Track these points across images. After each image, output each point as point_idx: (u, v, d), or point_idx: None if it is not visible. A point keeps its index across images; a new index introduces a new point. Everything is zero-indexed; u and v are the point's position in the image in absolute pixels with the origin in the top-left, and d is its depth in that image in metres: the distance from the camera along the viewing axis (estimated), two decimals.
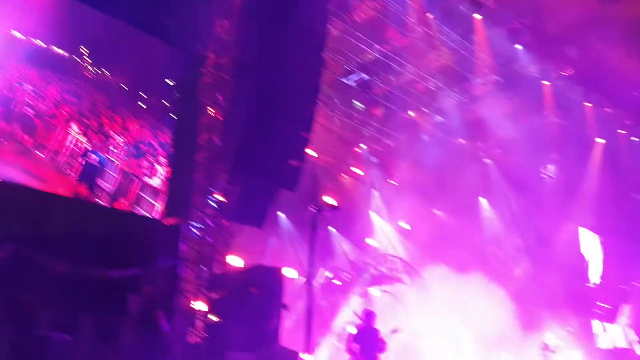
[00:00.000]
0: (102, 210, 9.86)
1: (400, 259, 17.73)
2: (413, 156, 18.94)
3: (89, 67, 10.41)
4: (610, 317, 17.91)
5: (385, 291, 16.33)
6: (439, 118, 18.93)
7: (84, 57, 10.37)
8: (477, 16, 16.33)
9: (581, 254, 18.76)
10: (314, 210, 7.51)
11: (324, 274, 16.83)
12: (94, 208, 9.73)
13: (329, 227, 18.20)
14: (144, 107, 11.37)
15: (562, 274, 17.58)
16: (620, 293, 18.17)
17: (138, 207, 10.44)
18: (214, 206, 11.27)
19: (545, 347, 12.99)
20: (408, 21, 15.87)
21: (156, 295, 8.84)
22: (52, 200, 9.03)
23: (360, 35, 15.84)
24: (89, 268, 8.33)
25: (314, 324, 8.48)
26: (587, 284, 18.50)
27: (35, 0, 9.76)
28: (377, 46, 16.30)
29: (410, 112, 18.88)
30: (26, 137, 9.10)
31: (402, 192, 19.12)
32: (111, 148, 10.27)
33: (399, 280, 16.74)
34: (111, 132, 10.42)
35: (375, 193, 19.90)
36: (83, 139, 9.82)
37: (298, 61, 11.04)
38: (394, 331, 10.86)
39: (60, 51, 9.95)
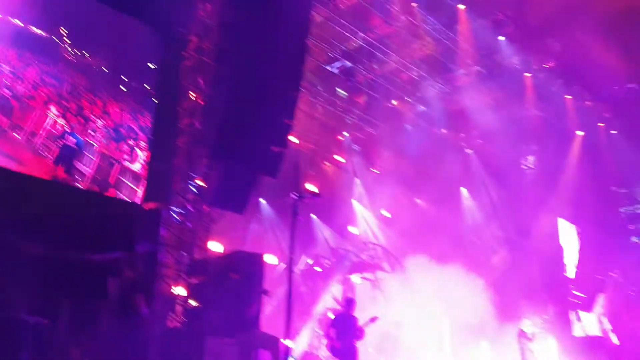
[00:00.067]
0: (81, 193, 9.74)
1: (381, 246, 17.84)
2: (395, 145, 19.01)
3: (69, 49, 10.23)
4: (586, 306, 18.19)
5: (365, 278, 16.42)
6: (421, 107, 18.99)
7: (64, 38, 10.19)
8: (461, 7, 16.36)
9: (560, 244, 18.99)
10: (296, 197, 7.49)
11: (305, 260, 16.88)
12: (73, 191, 9.61)
13: (311, 214, 18.23)
14: (125, 90, 11.23)
15: (540, 263, 17.81)
16: (596, 283, 18.45)
17: (118, 192, 10.34)
18: (194, 191, 11.20)
19: (522, 335, 13.15)
20: (392, 10, 15.85)
21: (136, 279, 8.79)
22: (30, 182, 8.89)
23: (344, 22, 15.79)
24: (68, 252, 8.25)
25: (294, 310, 8.49)
26: (564, 274, 18.75)
27: None
28: (361, 34, 16.25)
29: (393, 101, 18.91)
30: (2, 117, 8.94)
31: (384, 181, 19.19)
32: (90, 131, 10.14)
33: (380, 268, 16.85)
34: (91, 115, 10.28)
35: (357, 181, 19.95)
36: (61, 122, 9.68)
37: (281, 47, 10.97)
38: (372, 320, 10.93)
39: (39, 31, 9.77)
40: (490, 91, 17.55)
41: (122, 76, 11.22)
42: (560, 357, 14.44)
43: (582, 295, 18.31)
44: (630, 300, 17.66)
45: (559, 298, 17.79)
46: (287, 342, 7.56)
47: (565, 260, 18.90)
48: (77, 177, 9.73)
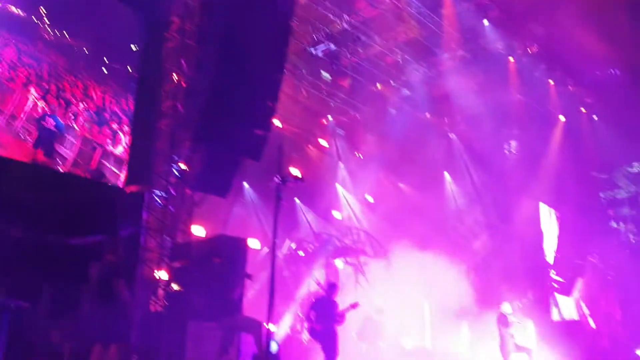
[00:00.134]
0: (62, 176, 9.64)
1: (365, 231, 17.91)
2: (379, 129, 19.01)
3: (48, 29, 10.07)
4: (565, 290, 18.42)
5: (348, 263, 16.50)
6: (405, 92, 18.95)
7: (44, 18, 10.01)
8: None
9: (540, 229, 19.16)
10: (279, 181, 7.45)
11: (288, 244, 16.90)
12: (55, 174, 9.51)
13: (294, 198, 18.23)
14: (107, 72, 11.08)
15: (522, 248, 17.98)
16: (575, 267, 18.68)
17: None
18: (177, 174, 11.12)
19: (502, 319, 13.30)
20: None
21: (118, 263, 8.70)
22: (10, 165, 8.78)
23: (329, 4, 15.65)
24: (49, 235, 8.18)
25: (277, 294, 8.49)
26: (545, 259, 18.95)
27: None
28: (345, 16, 16.13)
29: (377, 85, 18.86)
30: None
31: (367, 165, 19.21)
32: (71, 114, 10.01)
33: (363, 253, 16.93)
34: (72, 99, 10.15)
35: (341, 165, 19.96)
36: (42, 104, 9.54)
37: (265, 28, 10.83)
38: (354, 306, 10.96)
39: (17, 11, 9.58)
40: (474, 75, 17.54)
41: (104, 58, 11.07)
42: (538, 341, 14.64)
43: (561, 280, 18.53)
44: (608, 285, 17.92)
45: (538, 282, 17.99)
46: (270, 326, 7.57)
47: (545, 245, 19.10)
48: (58, 160, 9.62)
